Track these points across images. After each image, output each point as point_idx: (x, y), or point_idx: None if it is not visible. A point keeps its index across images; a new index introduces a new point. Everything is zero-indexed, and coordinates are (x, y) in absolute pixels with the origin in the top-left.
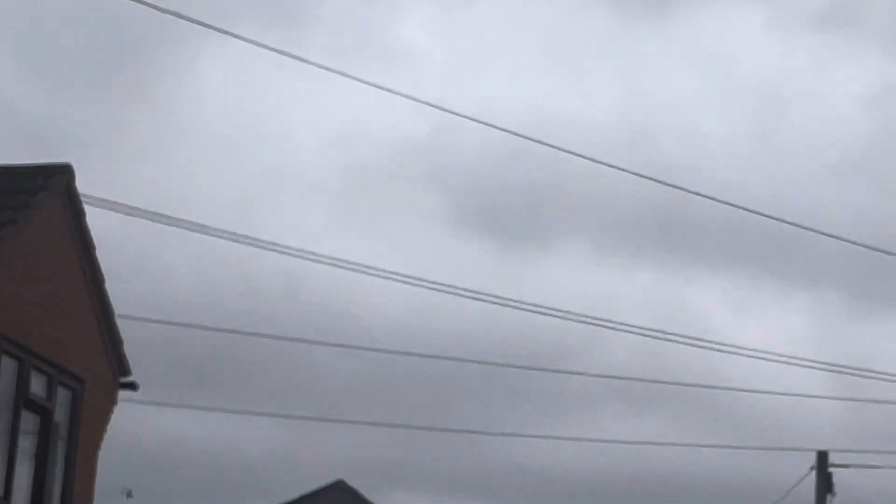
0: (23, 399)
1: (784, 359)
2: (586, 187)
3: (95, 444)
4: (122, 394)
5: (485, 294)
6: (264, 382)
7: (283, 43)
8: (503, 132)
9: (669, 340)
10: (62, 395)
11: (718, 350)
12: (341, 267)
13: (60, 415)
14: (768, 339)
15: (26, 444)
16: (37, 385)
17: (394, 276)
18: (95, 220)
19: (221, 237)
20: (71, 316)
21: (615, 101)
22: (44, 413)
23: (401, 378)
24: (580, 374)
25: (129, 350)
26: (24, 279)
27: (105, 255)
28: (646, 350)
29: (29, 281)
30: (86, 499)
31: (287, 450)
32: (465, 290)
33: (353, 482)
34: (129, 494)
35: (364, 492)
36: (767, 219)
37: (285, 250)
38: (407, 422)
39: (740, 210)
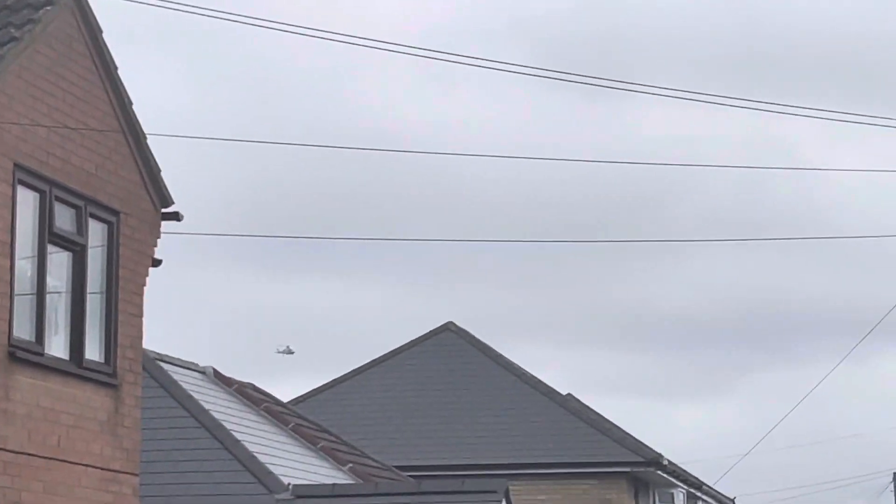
0: (46, 234)
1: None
2: (664, 31)
3: (139, 282)
4: (166, 225)
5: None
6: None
7: None
8: None
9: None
10: (95, 229)
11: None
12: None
13: (95, 251)
14: (862, 164)
15: (58, 284)
16: (63, 218)
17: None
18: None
19: None
20: (97, 143)
21: None
22: (75, 248)
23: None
24: None
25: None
26: (36, 103)
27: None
28: (743, 186)
29: (42, 105)
30: (134, 339)
31: (400, 303)
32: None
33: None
34: (288, 351)
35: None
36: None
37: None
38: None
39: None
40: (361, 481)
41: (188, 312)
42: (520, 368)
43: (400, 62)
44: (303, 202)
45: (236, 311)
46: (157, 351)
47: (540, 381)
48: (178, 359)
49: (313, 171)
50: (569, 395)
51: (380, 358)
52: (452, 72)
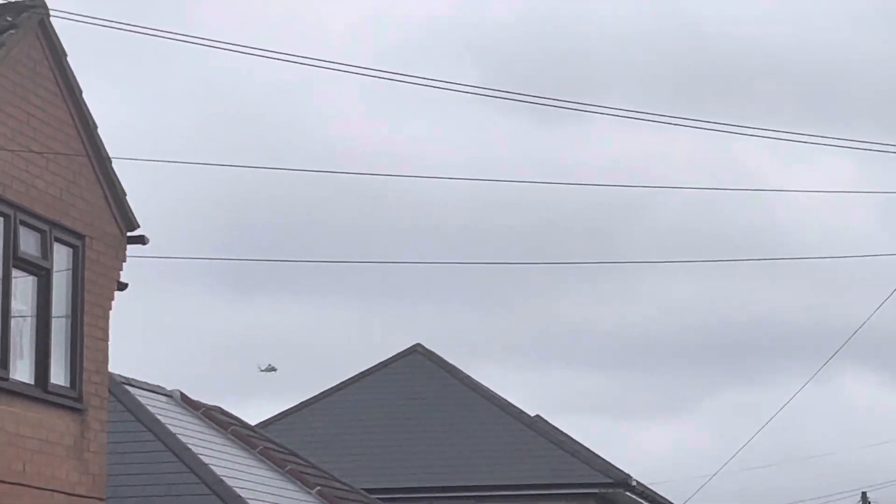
0: (11, 258)
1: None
2: (615, 52)
3: (105, 306)
4: (132, 248)
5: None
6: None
7: None
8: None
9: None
10: (60, 253)
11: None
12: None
13: (60, 275)
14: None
15: (23, 308)
16: (28, 242)
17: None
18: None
19: None
20: (61, 167)
21: None
22: (40, 272)
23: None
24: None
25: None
26: (0, 128)
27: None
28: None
29: (7, 129)
30: (101, 364)
31: (362, 326)
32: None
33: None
34: (271, 368)
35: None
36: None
37: None
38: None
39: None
40: None
41: (154, 336)
42: (488, 390)
43: (354, 84)
44: (264, 224)
45: (201, 334)
46: (124, 374)
47: (508, 403)
48: (145, 382)
49: (273, 193)
50: (537, 416)
51: (348, 380)
52: (406, 94)
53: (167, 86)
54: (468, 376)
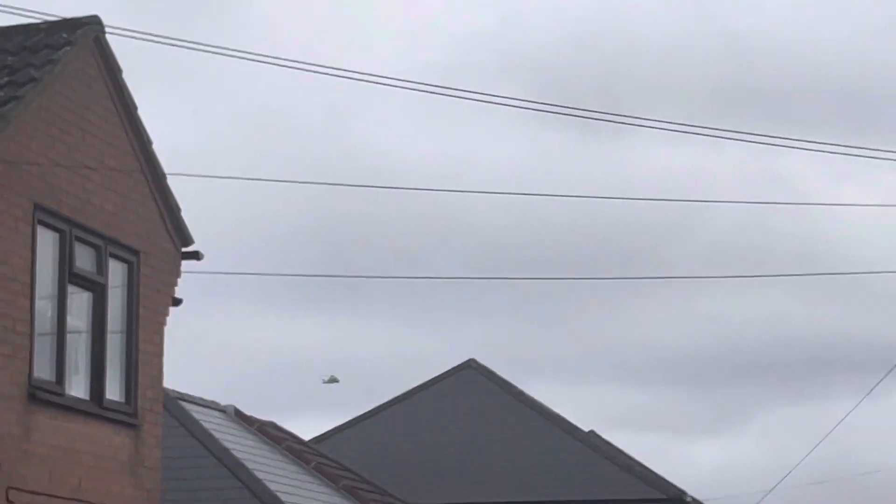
0: (66, 274)
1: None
2: (657, 69)
3: (160, 322)
4: (186, 264)
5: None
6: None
7: None
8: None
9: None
10: (115, 269)
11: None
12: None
13: (115, 290)
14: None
15: (78, 324)
16: (83, 258)
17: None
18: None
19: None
20: (117, 182)
21: None
22: (95, 288)
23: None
24: None
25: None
26: (56, 143)
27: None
28: (747, 222)
29: (62, 145)
30: (155, 378)
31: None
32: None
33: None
34: (333, 380)
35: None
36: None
37: None
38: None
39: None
40: None
41: (208, 351)
42: (542, 405)
43: (397, 100)
44: (316, 240)
45: (255, 349)
46: (178, 390)
47: (562, 418)
48: (199, 398)
49: (323, 209)
50: (591, 431)
51: (401, 396)
52: (450, 110)
53: (217, 101)
54: (521, 391)
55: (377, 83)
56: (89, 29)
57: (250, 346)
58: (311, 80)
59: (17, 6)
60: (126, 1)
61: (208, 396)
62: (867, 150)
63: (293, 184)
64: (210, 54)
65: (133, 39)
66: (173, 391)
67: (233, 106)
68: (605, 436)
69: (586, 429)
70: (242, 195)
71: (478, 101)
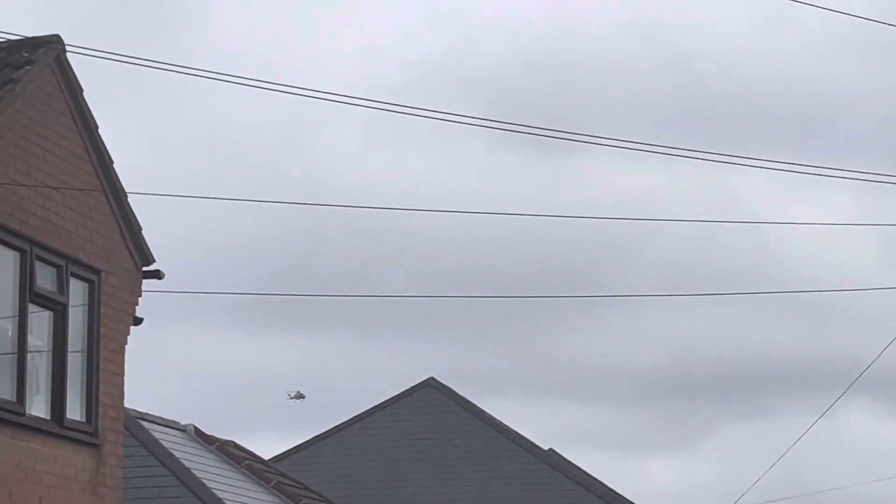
0: (27, 293)
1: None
2: (607, 89)
3: (121, 340)
4: (147, 283)
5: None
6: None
7: None
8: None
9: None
10: (76, 288)
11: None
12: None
13: (75, 309)
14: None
15: (39, 343)
16: (44, 277)
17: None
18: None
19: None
20: (78, 201)
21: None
22: (56, 307)
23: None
24: None
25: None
26: (16, 162)
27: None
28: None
29: (23, 165)
30: (116, 397)
31: (374, 360)
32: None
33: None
34: (299, 395)
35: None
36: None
37: None
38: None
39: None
40: None
41: (168, 370)
42: (501, 424)
43: (350, 120)
44: (273, 259)
45: (214, 368)
46: (138, 409)
47: (521, 436)
48: (159, 417)
49: (279, 227)
50: (550, 450)
51: (361, 414)
52: (403, 130)
53: (175, 119)
54: (481, 409)
55: (333, 101)
56: (50, 48)
57: (209, 365)
58: (265, 98)
59: None
60: (84, 17)
61: (168, 415)
62: (816, 169)
63: (252, 203)
64: (167, 71)
65: (92, 58)
66: (133, 410)
67: (189, 124)
68: (563, 454)
69: (545, 447)
70: (199, 214)
71: (431, 118)
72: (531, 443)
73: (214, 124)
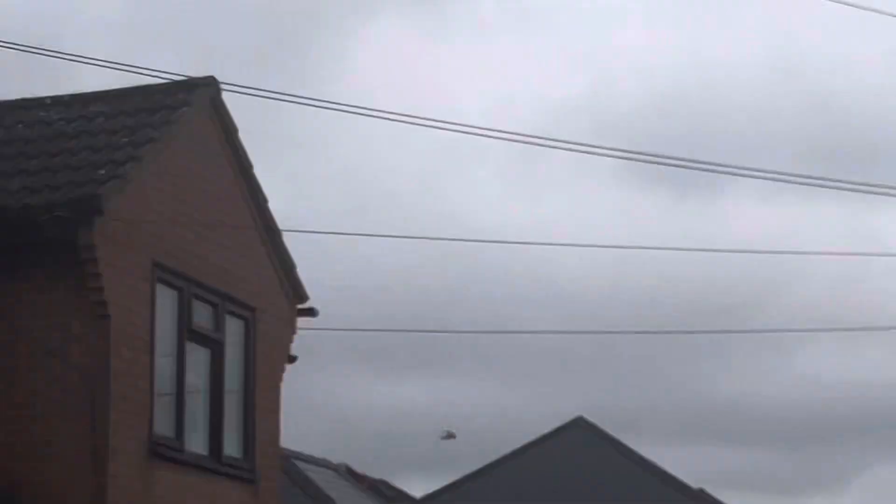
0: (185, 331)
1: None
2: (749, 126)
3: (276, 377)
4: (301, 321)
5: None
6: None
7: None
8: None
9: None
10: (232, 326)
11: None
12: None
13: (232, 347)
14: None
15: (196, 380)
16: (201, 315)
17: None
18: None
19: None
20: (233, 240)
21: (762, 39)
22: (213, 345)
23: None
24: None
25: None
26: (174, 202)
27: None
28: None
29: (180, 204)
30: (272, 435)
31: (524, 399)
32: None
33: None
34: (451, 435)
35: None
36: None
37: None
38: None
39: None
40: None
41: (321, 408)
42: (651, 463)
43: (491, 161)
44: (411, 299)
45: (362, 407)
46: (290, 447)
47: (671, 476)
48: (311, 455)
49: (419, 267)
50: (700, 489)
51: (511, 454)
52: (542, 172)
53: (319, 157)
54: (631, 449)
55: (482, 135)
56: (205, 89)
57: (359, 404)
58: (405, 140)
59: (132, 65)
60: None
61: (318, 454)
62: None
63: (399, 240)
64: (306, 110)
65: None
66: (286, 449)
67: (335, 162)
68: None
69: (695, 487)
70: (345, 253)
71: (577, 150)
72: (681, 482)
73: (358, 163)
